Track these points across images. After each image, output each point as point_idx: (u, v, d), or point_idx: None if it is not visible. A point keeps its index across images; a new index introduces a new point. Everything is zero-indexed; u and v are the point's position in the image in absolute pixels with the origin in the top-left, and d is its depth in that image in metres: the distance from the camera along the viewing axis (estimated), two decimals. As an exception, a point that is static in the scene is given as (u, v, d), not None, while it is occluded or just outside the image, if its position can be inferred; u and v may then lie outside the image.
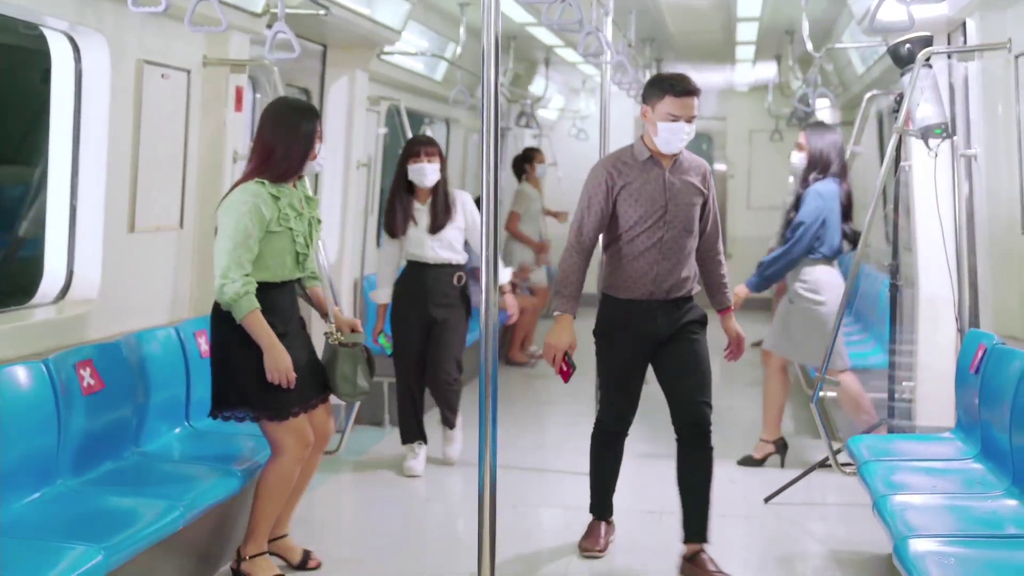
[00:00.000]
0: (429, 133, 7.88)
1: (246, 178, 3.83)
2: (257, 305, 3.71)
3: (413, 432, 5.44)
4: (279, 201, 3.80)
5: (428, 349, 5.36)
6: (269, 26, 4.58)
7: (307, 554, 4.12)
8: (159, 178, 4.36)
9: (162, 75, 4.29)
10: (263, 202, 3.74)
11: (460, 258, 5.36)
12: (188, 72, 4.48)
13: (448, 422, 5.54)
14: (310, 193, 4.03)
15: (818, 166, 5.33)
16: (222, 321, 3.80)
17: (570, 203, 11.86)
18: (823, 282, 5.23)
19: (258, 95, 5.49)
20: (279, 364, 3.74)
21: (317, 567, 4.11)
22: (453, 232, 5.32)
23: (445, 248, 5.30)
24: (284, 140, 3.82)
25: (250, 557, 3.88)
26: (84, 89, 4.02)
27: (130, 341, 4.05)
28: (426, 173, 5.23)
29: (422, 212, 5.32)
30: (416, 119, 8.05)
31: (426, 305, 5.31)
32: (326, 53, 6.04)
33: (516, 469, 5.46)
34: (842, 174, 5.33)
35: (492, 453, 2.99)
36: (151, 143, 4.26)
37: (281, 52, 4.25)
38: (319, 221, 4.01)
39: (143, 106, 4.18)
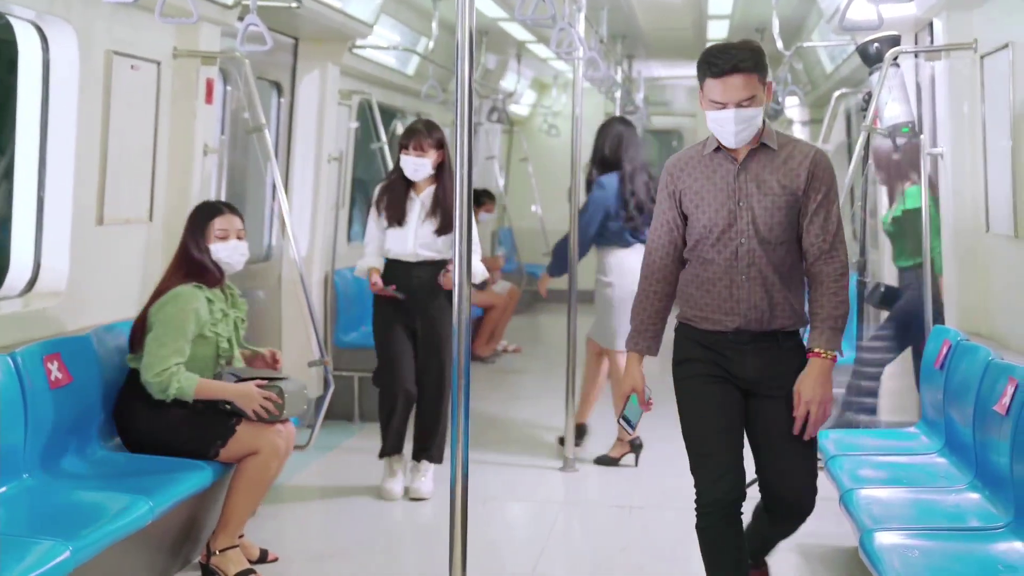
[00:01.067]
0: (400, 129, 7.85)
1: (174, 279, 3.98)
2: (196, 378, 3.87)
3: (394, 444, 5.07)
4: (212, 305, 3.99)
5: (417, 351, 5.01)
6: (240, 18, 4.55)
7: (264, 552, 4.12)
8: (128, 170, 4.32)
9: (131, 66, 4.25)
10: (201, 305, 3.94)
11: (442, 255, 5.00)
12: (158, 64, 4.44)
13: (432, 456, 5.03)
14: (237, 292, 4.20)
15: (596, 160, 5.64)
16: (128, 407, 3.94)
17: (543, 198, 11.92)
18: (610, 265, 5.57)
19: (228, 87, 5.45)
20: (252, 402, 3.90)
21: (275, 561, 4.11)
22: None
23: (428, 248, 4.97)
24: (206, 246, 4.03)
25: (220, 551, 3.87)
26: (52, 80, 3.97)
27: (98, 334, 4.02)
28: (408, 166, 4.95)
29: (414, 203, 4.99)
30: (388, 113, 8.02)
31: (411, 307, 4.97)
32: (297, 46, 6.01)
33: (485, 464, 5.47)
34: (617, 167, 5.49)
35: (464, 447, 2.98)
36: (120, 135, 4.22)
37: (252, 44, 4.23)
38: (243, 320, 4.16)
39: (112, 98, 4.13)
